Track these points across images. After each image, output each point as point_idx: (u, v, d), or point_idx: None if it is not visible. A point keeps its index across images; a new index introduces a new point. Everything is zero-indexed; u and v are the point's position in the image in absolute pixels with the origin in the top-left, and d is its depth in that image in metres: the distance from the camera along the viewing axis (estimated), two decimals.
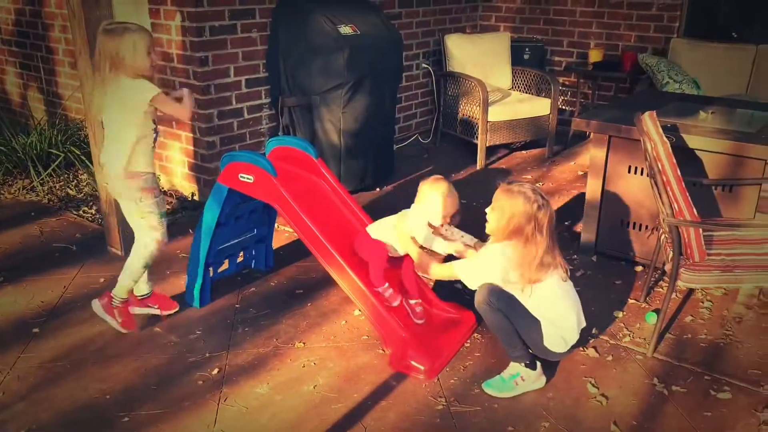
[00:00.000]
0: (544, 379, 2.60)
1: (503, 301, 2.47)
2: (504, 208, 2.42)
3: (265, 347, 2.86)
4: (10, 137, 4.89)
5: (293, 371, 2.70)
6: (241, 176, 2.87)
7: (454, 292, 3.28)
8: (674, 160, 2.65)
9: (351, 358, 2.79)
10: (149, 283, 3.05)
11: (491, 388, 2.57)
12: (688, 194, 2.73)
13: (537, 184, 4.25)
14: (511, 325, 2.49)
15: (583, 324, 2.61)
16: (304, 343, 2.89)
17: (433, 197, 2.77)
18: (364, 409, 2.48)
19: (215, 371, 2.68)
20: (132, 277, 2.89)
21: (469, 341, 2.92)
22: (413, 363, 2.66)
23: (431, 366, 2.66)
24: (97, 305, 2.95)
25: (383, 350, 2.82)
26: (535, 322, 2.48)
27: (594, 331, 2.97)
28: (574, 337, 2.56)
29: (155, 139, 2.83)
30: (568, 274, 2.55)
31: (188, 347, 2.85)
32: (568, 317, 2.52)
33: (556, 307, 2.50)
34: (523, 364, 2.55)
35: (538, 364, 2.58)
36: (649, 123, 2.68)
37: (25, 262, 3.59)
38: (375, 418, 2.43)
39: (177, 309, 3.08)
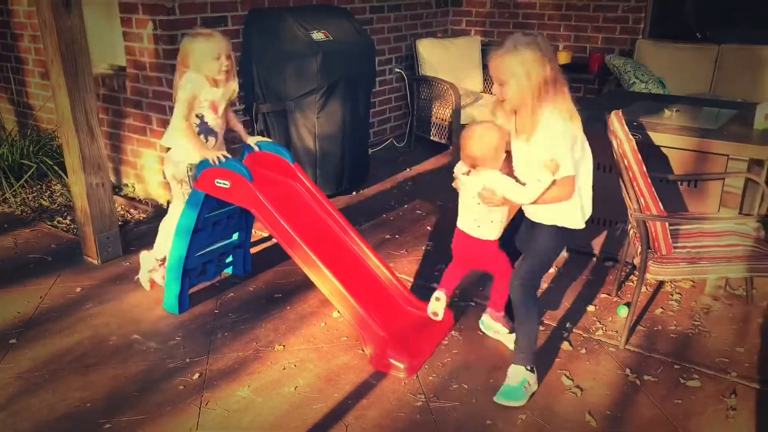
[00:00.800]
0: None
1: (538, 278, 2.51)
2: (518, 71, 2.16)
3: (245, 351, 2.88)
4: None
5: (274, 374, 2.73)
6: (217, 182, 2.89)
7: (430, 291, 3.34)
8: (640, 157, 2.74)
9: (331, 359, 2.83)
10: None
11: (507, 398, 2.51)
12: (654, 190, 2.82)
13: None
14: (536, 324, 2.52)
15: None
16: (284, 346, 2.92)
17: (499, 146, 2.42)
18: (344, 408, 2.52)
19: (196, 376, 2.70)
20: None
21: (446, 339, 2.97)
22: (393, 361, 2.71)
23: (410, 364, 2.71)
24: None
25: (363, 350, 2.87)
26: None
27: (568, 325, 3.05)
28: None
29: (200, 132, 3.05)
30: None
31: (168, 353, 2.86)
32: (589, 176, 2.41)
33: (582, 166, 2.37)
34: (527, 368, 2.54)
35: (533, 368, 2.58)
36: (615, 121, 2.77)
37: (1, 273, 3.56)
38: (356, 416, 2.47)
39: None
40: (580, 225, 2.46)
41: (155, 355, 2.85)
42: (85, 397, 2.57)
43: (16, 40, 5.15)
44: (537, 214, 2.48)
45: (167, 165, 3.15)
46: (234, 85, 3.08)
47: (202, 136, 3.05)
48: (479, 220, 2.62)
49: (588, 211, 2.50)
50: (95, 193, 3.57)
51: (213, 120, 3.07)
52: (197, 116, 3.02)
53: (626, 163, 2.68)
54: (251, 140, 3.22)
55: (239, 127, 3.29)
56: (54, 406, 2.52)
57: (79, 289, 3.39)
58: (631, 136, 2.73)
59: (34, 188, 4.69)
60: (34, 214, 4.35)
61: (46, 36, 3.31)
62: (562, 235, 2.47)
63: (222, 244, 3.36)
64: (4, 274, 3.56)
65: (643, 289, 3.34)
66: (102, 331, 3.02)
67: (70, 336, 2.98)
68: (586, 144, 2.38)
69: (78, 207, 3.62)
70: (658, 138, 3.24)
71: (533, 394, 2.57)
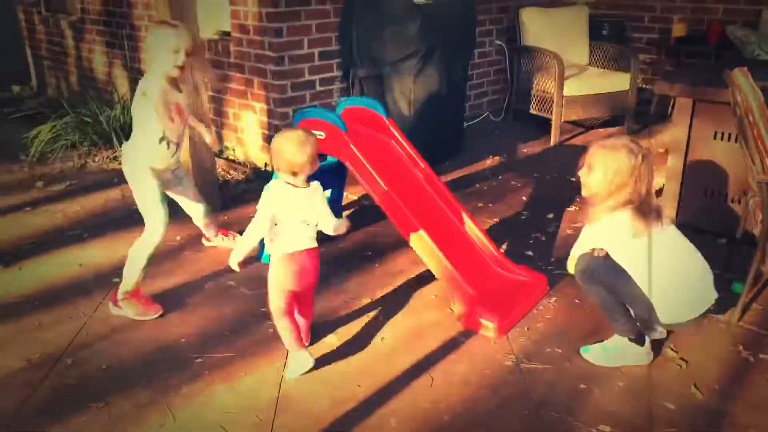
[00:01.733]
0: (651, 356, 2.45)
1: (603, 274, 2.36)
2: (607, 165, 2.25)
3: (335, 302, 2.90)
4: (96, 111, 5.14)
5: (362, 324, 2.72)
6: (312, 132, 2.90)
7: (524, 258, 3.24)
8: (767, 112, 2.50)
9: (419, 315, 2.80)
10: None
11: (589, 354, 2.48)
12: None
13: None
14: (612, 298, 2.38)
15: (714, 295, 2.38)
16: (372, 300, 2.91)
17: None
18: (431, 361, 2.48)
19: None
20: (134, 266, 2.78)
21: (540, 305, 2.86)
22: (482, 320, 2.64)
23: (501, 324, 2.63)
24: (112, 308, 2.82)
25: (451, 309, 2.81)
26: (640, 294, 2.32)
27: None
28: (687, 311, 2.35)
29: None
30: (671, 224, 2.37)
31: (259, 299, 2.91)
32: (676, 283, 2.33)
33: (661, 271, 2.31)
34: (627, 339, 2.44)
35: (647, 339, 2.45)
36: (740, 77, 2.55)
37: (107, 221, 3.78)
38: (443, 370, 2.43)
39: (159, 314, 2.81)
40: (665, 320, 2.38)
41: (247, 300, 2.91)
42: (180, 333, 2.67)
43: (131, 7, 5.42)
44: None
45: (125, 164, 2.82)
46: (201, 89, 2.76)
47: (164, 144, 2.72)
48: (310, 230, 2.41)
49: (676, 315, 2.36)
50: (196, 147, 3.69)
51: (173, 127, 2.69)
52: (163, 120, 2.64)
53: (750, 119, 2.46)
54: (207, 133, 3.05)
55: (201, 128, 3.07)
56: (152, 339, 2.64)
57: (178, 238, 3.53)
58: (758, 91, 2.50)
59: None
60: None
61: (159, 2, 3.44)
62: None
63: None
64: (112, 221, 3.77)
65: (763, 268, 3.06)
66: (199, 276, 3.14)
67: (169, 278, 3.11)
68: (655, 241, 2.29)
69: (182, 161, 3.76)
70: None
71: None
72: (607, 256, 2.37)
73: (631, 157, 2.21)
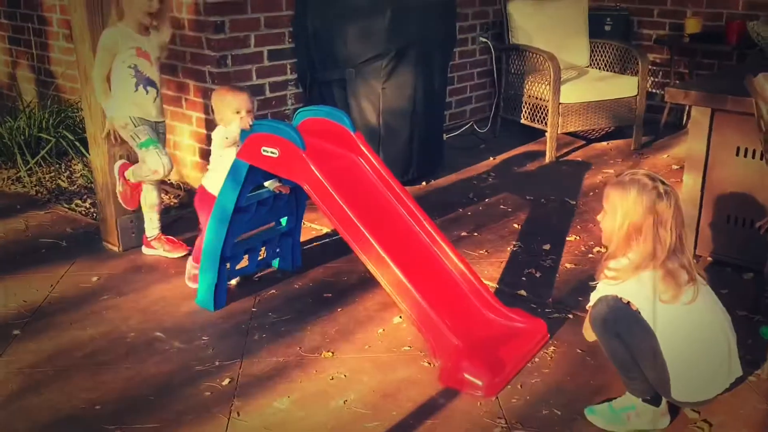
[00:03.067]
0: (668, 419, 2.44)
1: (623, 324, 2.34)
2: (616, 206, 2.28)
3: (286, 356, 2.85)
4: None
5: (319, 384, 2.68)
6: (263, 150, 2.88)
7: (516, 299, 3.23)
8: None
9: (389, 371, 2.76)
10: (158, 222, 3.68)
11: (595, 416, 2.46)
12: None
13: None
14: (630, 355, 2.36)
15: (738, 373, 2.39)
16: (332, 353, 2.87)
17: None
18: (404, 429, 2.44)
19: (226, 382, 2.68)
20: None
21: (537, 356, 2.84)
22: (468, 377, 2.61)
23: (490, 381, 2.60)
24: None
25: (429, 363, 2.78)
26: (660, 363, 2.30)
27: None
28: (704, 391, 2.36)
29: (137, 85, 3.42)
30: (704, 284, 2.37)
31: (194, 355, 2.86)
32: (699, 360, 2.32)
33: (683, 344, 2.31)
34: (641, 399, 2.42)
35: (664, 399, 2.43)
36: (765, 83, 2.60)
37: (7, 258, 3.69)
38: None
39: (186, 252, 3.59)
40: (687, 398, 2.41)
41: (179, 356, 2.85)
42: (93, 399, 2.59)
43: None
44: None
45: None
46: (166, 33, 3.48)
47: (141, 87, 3.40)
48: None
49: (704, 393, 2.37)
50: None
51: (148, 68, 3.40)
52: (130, 67, 3.35)
53: None
54: None
55: None
56: (58, 406, 2.55)
57: (95, 279, 3.46)
58: None
59: (52, 167, 4.85)
60: (50, 195, 4.50)
61: None
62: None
63: (267, 229, 3.38)
64: (13, 258, 3.68)
65: None
66: (119, 327, 3.06)
67: (81, 330, 3.03)
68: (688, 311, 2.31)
69: (99, 183, 3.70)
70: None
71: None
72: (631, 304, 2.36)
73: (643, 196, 2.23)
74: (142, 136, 3.43)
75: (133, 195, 3.64)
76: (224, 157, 3.17)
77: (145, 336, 2.99)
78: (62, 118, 5.06)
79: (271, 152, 2.88)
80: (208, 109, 4.35)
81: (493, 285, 3.39)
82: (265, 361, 2.82)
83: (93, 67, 3.40)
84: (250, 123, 3.09)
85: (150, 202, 3.64)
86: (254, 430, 2.43)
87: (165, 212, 4.19)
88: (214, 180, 3.21)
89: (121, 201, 3.65)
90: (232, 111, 3.14)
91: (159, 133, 3.56)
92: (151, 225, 3.68)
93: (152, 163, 3.42)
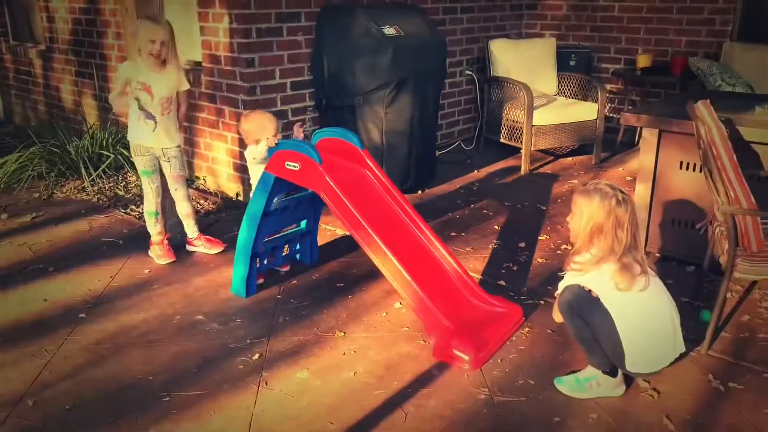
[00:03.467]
0: (623, 388, 2.45)
1: (586, 308, 2.34)
2: (582, 209, 2.29)
3: (305, 335, 2.85)
4: (64, 140, 5.06)
5: (333, 358, 2.68)
6: (287, 164, 2.89)
7: (497, 288, 3.24)
8: (730, 145, 2.56)
9: (391, 347, 2.76)
10: (195, 226, 3.67)
11: (563, 385, 2.47)
12: (744, 181, 2.62)
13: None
14: (591, 333, 2.36)
15: (681, 349, 2.39)
16: (344, 333, 2.87)
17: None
18: (404, 396, 2.44)
19: (256, 356, 2.69)
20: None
21: (514, 336, 2.85)
22: (457, 352, 2.61)
23: (476, 356, 2.61)
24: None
25: (425, 341, 2.78)
26: (615, 340, 2.31)
27: None
28: (653, 364, 2.36)
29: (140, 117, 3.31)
30: (653, 276, 2.36)
31: (229, 334, 2.87)
32: (649, 338, 2.33)
33: (636, 324, 2.31)
34: (601, 371, 2.43)
35: (620, 371, 2.44)
36: (703, 109, 2.61)
37: (74, 254, 3.69)
38: (416, 404, 2.39)
39: (223, 248, 3.65)
40: (638, 369, 2.39)
41: (217, 335, 2.86)
42: (147, 371, 2.59)
43: (101, 37, 5.38)
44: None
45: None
46: (175, 77, 3.32)
47: (141, 118, 3.29)
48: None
49: (652, 365, 2.37)
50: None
51: (148, 102, 3.26)
52: (135, 99, 3.25)
53: (714, 152, 2.51)
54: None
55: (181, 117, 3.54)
56: (117, 377, 2.56)
57: (147, 271, 3.46)
58: (720, 124, 2.56)
59: (111, 178, 4.86)
60: (109, 202, 4.50)
61: (127, 24, 3.45)
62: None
63: (290, 230, 3.37)
64: (79, 254, 3.68)
65: (728, 295, 3.11)
66: (166, 311, 3.07)
67: (136, 313, 3.04)
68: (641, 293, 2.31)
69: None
70: (748, 133, 3.04)
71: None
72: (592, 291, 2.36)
73: (605, 202, 2.23)
74: (139, 165, 3.44)
75: (166, 250, 3.57)
76: (255, 170, 3.19)
77: (189, 318, 3.00)
78: (119, 137, 5.07)
79: (293, 166, 2.90)
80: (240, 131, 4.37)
81: (477, 276, 3.39)
82: (288, 339, 2.83)
83: None
84: (276, 143, 3.10)
85: (183, 212, 3.61)
86: (279, 397, 2.43)
87: (204, 216, 4.22)
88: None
89: (159, 259, 3.55)
90: (266, 133, 3.15)
91: (171, 158, 3.45)
92: (190, 229, 3.67)
93: (144, 190, 3.49)
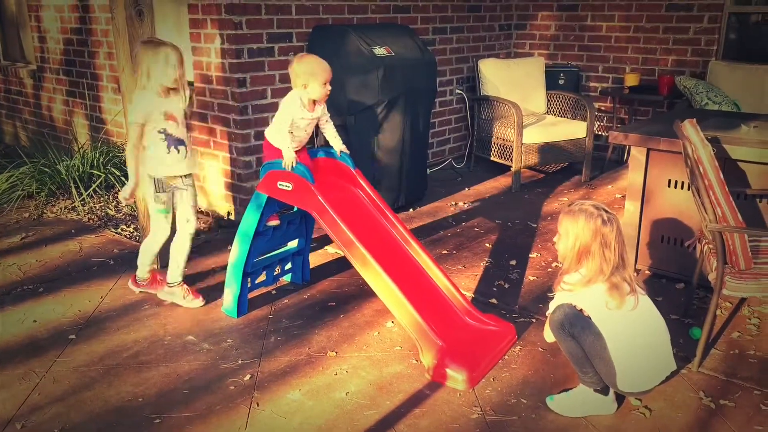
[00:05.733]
0: (615, 406, 2.44)
1: (577, 327, 2.34)
2: (568, 231, 2.30)
3: (297, 356, 2.84)
4: (54, 160, 5.05)
5: (325, 379, 2.67)
6: (279, 184, 2.90)
7: (489, 306, 3.24)
8: (717, 164, 2.59)
9: (384, 367, 2.75)
10: (184, 270, 3.33)
11: (554, 403, 2.47)
12: (732, 199, 2.65)
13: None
14: (582, 352, 2.36)
15: (672, 367, 2.40)
16: (336, 353, 2.86)
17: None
18: (396, 416, 2.43)
19: (247, 377, 2.67)
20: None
21: (507, 354, 2.85)
22: (450, 372, 2.61)
23: (469, 375, 2.60)
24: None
25: (417, 360, 2.78)
26: (606, 359, 2.30)
27: None
28: (645, 383, 2.35)
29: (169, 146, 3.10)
30: (643, 294, 2.36)
31: (221, 355, 2.85)
32: (640, 357, 2.31)
33: (627, 343, 2.31)
34: (593, 390, 2.43)
35: (611, 390, 2.44)
36: (690, 128, 2.64)
37: (64, 274, 3.66)
38: (408, 425, 2.38)
39: (202, 304, 3.28)
40: (629, 389, 2.38)
41: (208, 356, 2.84)
42: (137, 393, 2.57)
43: (93, 57, 5.40)
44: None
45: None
46: (182, 92, 3.08)
47: (172, 148, 3.07)
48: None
49: (642, 385, 2.36)
50: None
51: (176, 130, 3.07)
52: (159, 132, 3.03)
53: (701, 170, 2.54)
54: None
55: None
56: (107, 399, 2.53)
57: (138, 291, 3.43)
58: (707, 142, 2.59)
59: (102, 198, 4.84)
60: (100, 221, 4.48)
61: (119, 44, 3.44)
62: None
63: (281, 250, 3.36)
64: (69, 274, 3.66)
65: (718, 312, 3.13)
66: (157, 332, 3.04)
67: (126, 334, 3.01)
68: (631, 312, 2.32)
69: (141, 211, 3.70)
70: (734, 151, 3.08)
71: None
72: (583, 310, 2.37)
73: (590, 222, 2.24)
74: (158, 204, 3.16)
75: (158, 283, 3.35)
76: (281, 113, 3.07)
77: (180, 339, 2.98)
78: (110, 157, 5.06)
79: (286, 186, 2.91)
80: (232, 149, 4.37)
81: (469, 294, 3.39)
82: (280, 359, 2.81)
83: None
84: (327, 92, 3.07)
85: (185, 250, 3.29)
86: (271, 418, 2.42)
87: (196, 235, 4.20)
88: (272, 132, 3.14)
89: (194, 298, 3.28)
90: (315, 79, 3.01)
91: (188, 186, 3.21)
92: (179, 272, 3.29)
93: (157, 228, 3.22)
